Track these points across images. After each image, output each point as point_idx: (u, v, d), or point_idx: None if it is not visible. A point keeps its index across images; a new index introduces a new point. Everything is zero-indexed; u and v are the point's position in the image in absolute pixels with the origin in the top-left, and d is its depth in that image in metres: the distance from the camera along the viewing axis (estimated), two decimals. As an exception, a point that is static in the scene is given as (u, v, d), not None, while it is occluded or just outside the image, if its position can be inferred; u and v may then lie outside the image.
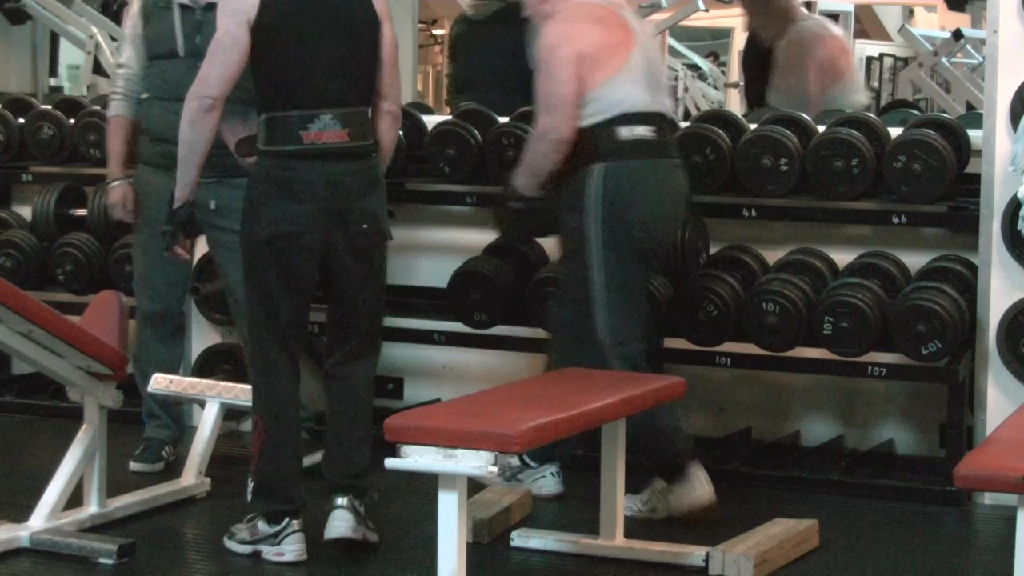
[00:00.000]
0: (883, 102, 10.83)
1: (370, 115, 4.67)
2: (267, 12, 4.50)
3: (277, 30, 4.51)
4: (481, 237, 6.14)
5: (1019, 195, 5.08)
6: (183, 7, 5.55)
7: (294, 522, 4.62)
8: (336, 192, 4.53)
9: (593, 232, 5.09)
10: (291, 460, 4.66)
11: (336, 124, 4.53)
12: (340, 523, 4.61)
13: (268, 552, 4.63)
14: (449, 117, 6.32)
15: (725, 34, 13.46)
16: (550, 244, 6.22)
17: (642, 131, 5.15)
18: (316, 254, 4.56)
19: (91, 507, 4.93)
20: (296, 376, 4.69)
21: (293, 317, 4.63)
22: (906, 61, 11.09)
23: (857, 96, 7.31)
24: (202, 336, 6.48)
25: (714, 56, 14.43)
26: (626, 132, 5.13)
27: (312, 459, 5.12)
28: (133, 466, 5.65)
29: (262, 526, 4.65)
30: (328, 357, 4.75)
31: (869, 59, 11.46)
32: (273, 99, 4.56)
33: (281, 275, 4.57)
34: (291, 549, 4.61)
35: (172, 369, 5.72)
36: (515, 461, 5.39)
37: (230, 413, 5.62)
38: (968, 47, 10.14)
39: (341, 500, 4.64)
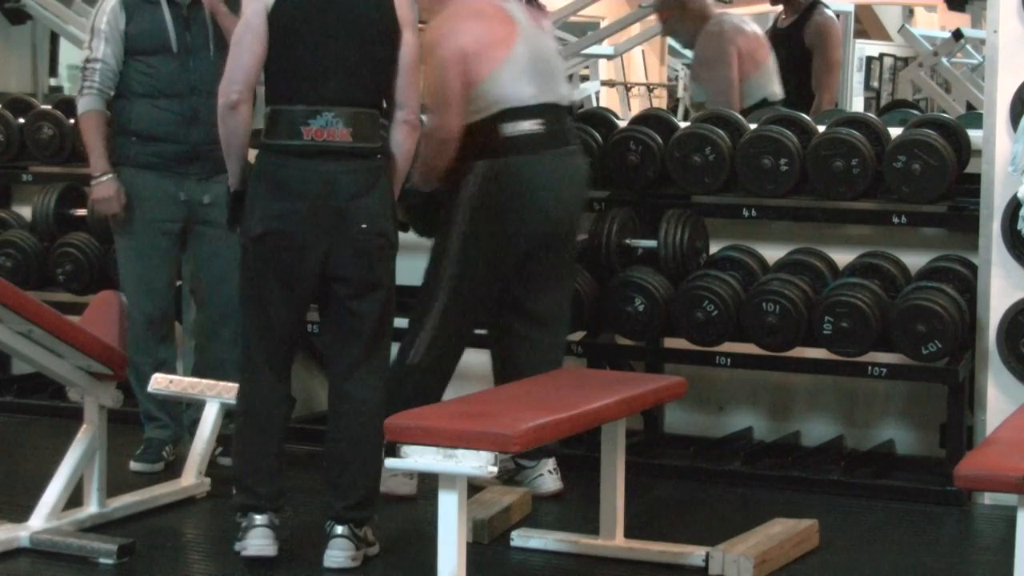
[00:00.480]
0: (883, 102, 10.83)
1: (383, 120, 4.57)
2: (284, 3, 4.47)
3: (291, 23, 4.47)
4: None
5: (1019, 195, 5.08)
6: (169, 2, 5.53)
7: (257, 517, 4.57)
8: (331, 190, 4.46)
9: (458, 230, 5.21)
10: (265, 458, 4.60)
11: (339, 123, 4.47)
12: (338, 553, 4.55)
13: (238, 546, 4.61)
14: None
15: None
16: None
17: (528, 125, 5.18)
18: (311, 254, 4.48)
19: (91, 507, 4.92)
20: (283, 379, 4.62)
21: (286, 318, 4.56)
22: (906, 61, 11.08)
23: (773, 86, 7.45)
24: (202, 336, 6.48)
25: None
26: (510, 128, 5.17)
27: None
28: (133, 466, 5.65)
29: (241, 521, 4.64)
30: (331, 367, 4.68)
31: (869, 59, 11.45)
32: (280, 92, 4.53)
33: (273, 274, 4.51)
34: (252, 544, 4.57)
35: (173, 369, 5.72)
36: (509, 464, 5.39)
37: (230, 413, 5.62)
38: (968, 47, 10.14)
39: (340, 529, 4.56)
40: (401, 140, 4.62)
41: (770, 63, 7.43)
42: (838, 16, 8.91)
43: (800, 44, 7.57)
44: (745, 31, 7.41)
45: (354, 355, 4.58)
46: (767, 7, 8.61)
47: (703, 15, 7.25)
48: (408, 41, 4.58)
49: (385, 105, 4.60)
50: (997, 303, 5.45)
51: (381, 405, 4.60)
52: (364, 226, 4.49)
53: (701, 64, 7.26)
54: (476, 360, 6.25)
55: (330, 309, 4.61)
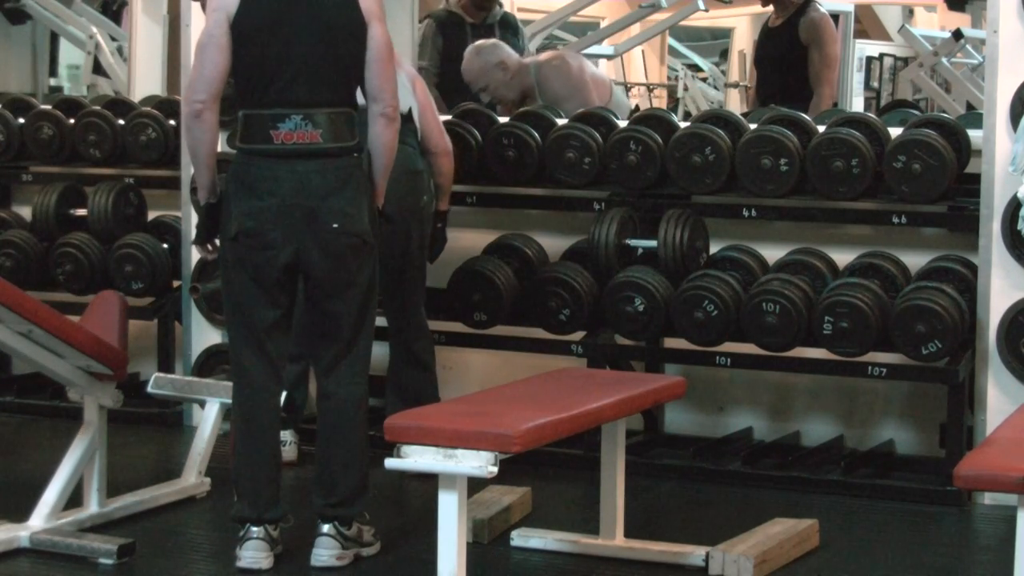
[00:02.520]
0: (883, 102, 10.83)
1: (356, 116, 4.57)
2: (247, 10, 4.47)
3: (255, 28, 4.47)
4: (481, 237, 6.14)
5: (1019, 195, 5.08)
6: None
7: (253, 529, 4.56)
8: (301, 190, 4.46)
9: None
10: (260, 465, 4.60)
11: (307, 125, 4.47)
12: (323, 552, 4.58)
13: (236, 554, 4.60)
14: (449, 117, 6.31)
15: (725, 34, 13.45)
16: (551, 243, 6.24)
17: None
18: (282, 252, 4.48)
19: (91, 507, 4.93)
20: (273, 379, 4.61)
21: (266, 317, 4.56)
22: (906, 61, 11.08)
23: (624, 100, 7.72)
24: (202, 336, 6.48)
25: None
26: None
27: None
28: None
29: (240, 531, 4.63)
30: (313, 366, 4.70)
31: (869, 59, 11.45)
32: (249, 97, 4.53)
33: (248, 273, 4.52)
34: (246, 556, 4.56)
35: None
36: None
37: (230, 413, 5.62)
38: (968, 47, 10.14)
39: (325, 528, 4.59)
40: (378, 132, 4.60)
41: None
42: (837, 17, 8.91)
43: (795, 41, 7.56)
44: (586, 61, 7.47)
45: (332, 353, 4.60)
46: (759, 8, 8.60)
47: (521, 66, 7.21)
48: (375, 35, 4.54)
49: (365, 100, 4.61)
50: (997, 303, 5.45)
51: (361, 403, 4.62)
52: (335, 226, 4.49)
53: (557, 100, 7.16)
54: (476, 360, 6.26)
55: (308, 308, 4.64)
